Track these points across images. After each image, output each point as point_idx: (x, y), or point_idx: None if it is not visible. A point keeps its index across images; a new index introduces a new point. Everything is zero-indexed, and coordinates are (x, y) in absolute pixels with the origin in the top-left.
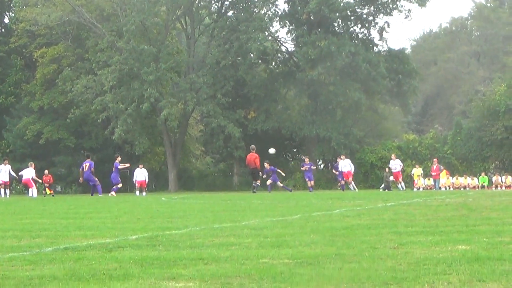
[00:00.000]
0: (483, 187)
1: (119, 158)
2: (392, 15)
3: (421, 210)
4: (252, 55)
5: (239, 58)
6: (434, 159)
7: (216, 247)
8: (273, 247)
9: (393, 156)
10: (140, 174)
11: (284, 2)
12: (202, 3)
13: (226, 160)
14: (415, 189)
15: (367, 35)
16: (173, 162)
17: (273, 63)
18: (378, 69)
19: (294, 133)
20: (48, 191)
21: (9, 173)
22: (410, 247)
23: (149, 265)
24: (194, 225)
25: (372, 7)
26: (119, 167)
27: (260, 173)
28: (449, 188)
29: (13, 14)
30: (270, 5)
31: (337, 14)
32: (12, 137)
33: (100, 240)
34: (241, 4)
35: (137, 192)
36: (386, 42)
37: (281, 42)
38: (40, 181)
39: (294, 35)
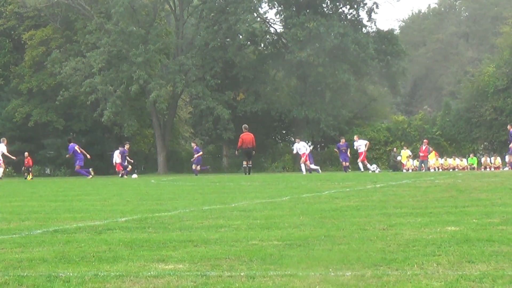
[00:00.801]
0: (472, 168)
1: (127, 146)
2: None
3: (410, 191)
4: (240, 36)
5: (228, 40)
6: (424, 140)
7: (206, 229)
8: (263, 229)
9: (355, 137)
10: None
11: None
12: None
13: (215, 142)
14: (404, 171)
15: (355, 16)
16: (162, 144)
17: (262, 45)
18: (367, 50)
19: (283, 114)
20: (30, 176)
21: None
22: (399, 229)
23: (139, 247)
24: (184, 207)
25: None
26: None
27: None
28: (438, 169)
29: None
30: None
31: None
32: (1, 119)
33: (89, 223)
34: None
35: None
36: (374, 23)
37: (270, 23)
38: (13, 158)
39: (282, 16)
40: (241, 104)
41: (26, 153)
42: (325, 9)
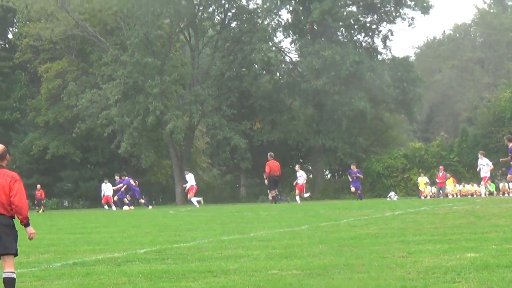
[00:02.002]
0: (490, 194)
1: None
2: (395, 23)
3: (428, 218)
4: (256, 66)
5: (243, 69)
6: (440, 167)
7: (225, 259)
8: (282, 258)
9: (297, 167)
10: (108, 189)
11: (287, 12)
12: (205, 15)
13: (232, 172)
14: (422, 198)
15: (371, 43)
16: (179, 175)
17: (278, 74)
18: (383, 77)
19: (300, 143)
20: (41, 209)
21: None
22: (418, 256)
23: (158, 278)
24: (202, 238)
25: (375, 15)
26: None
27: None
28: (456, 195)
29: (16, 30)
30: (273, 16)
31: (341, 23)
32: (18, 152)
33: (108, 255)
34: (244, 15)
35: (106, 207)
36: (390, 50)
37: (285, 52)
38: None
39: (298, 45)
40: (258, 133)
41: (38, 186)
42: (340, 37)
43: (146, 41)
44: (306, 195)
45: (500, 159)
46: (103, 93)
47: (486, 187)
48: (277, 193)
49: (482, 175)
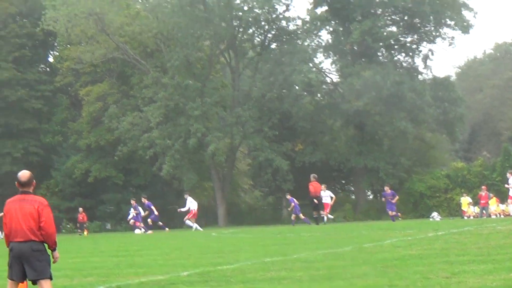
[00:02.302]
0: None
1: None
2: (435, 42)
3: (472, 238)
4: (297, 87)
5: (284, 91)
6: (483, 187)
7: (268, 281)
8: (325, 279)
9: (323, 186)
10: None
11: (328, 33)
12: (245, 37)
13: (274, 194)
14: (465, 218)
15: (411, 63)
16: (221, 197)
17: (318, 95)
18: (424, 97)
19: (342, 164)
20: (85, 232)
21: None
22: (462, 277)
23: None
24: (245, 260)
25: (416, 35)
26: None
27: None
28: (500, 215)
29: (57, 53)
30: (314, 37)
31: (381, 44)
32: (60, 176)
33: (152, 278)
34: (284, 37)
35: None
36: (430, 70)
37: (326, 73)
38: None
39: (338, 65)
40: (299, 154)
41: (80, 209)
42: (381, 58)
43: (187, 63)
44: (330, 216)
45: None
46: (144, 115)
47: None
48: (321, 214)
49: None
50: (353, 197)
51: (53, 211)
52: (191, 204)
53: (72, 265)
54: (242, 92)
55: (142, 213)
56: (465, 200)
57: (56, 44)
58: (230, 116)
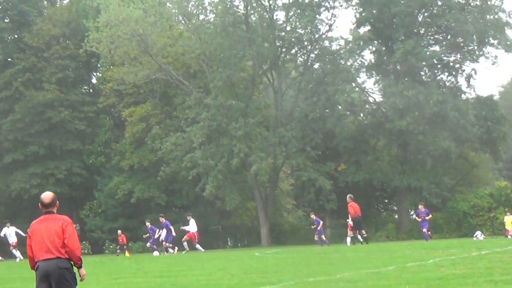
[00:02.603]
0: None
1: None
2: (478, 62)
3: None
4: (340, 106)
5: (327, 110)
6: None
7: None
8: None
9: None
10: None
11: (370, 53)
12: (288, 57)
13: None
14: (508, 237)
15: (454, 82)
16: (264, 217)
17: (361, 114)
18: (467, 116)
19: (385, 183)
20: (126, 253)
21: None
22: None
23: None
24: (289, 280)
25: (459, 54)
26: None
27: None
28: None
29: (100, 74)
30: (356, 56)
31: (424, 63)
32: (103, 196)
33: None
34: (327, 56)
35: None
36: (473, 89)
37: (369, 92)
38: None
39: (381, 85)
40: (342, 174)
41: (119, 231)
42: (423, 77)
43: (229, 84)
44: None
45: None
46: (187, 136)
47: None
48: (364, 234)
49: None
50: (396, 216)
51: (96, 232)
52: (192, 226)
53: (116, 286)
54: (284, 112)
55: (156, 235)
56: (509, 219)
57: (99, 65)
58: (272, 136)
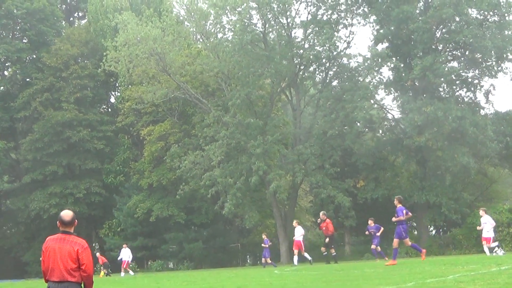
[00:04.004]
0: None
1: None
2: (497, 77)
3: None
4: (358, 123)
5: (345, 127)
6: None
7: None
8: None
9: (295, 222)
10: (125, 254)
11: (389, 70)
12: (306, 74)
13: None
14: None
15: (473, 98)
16: (284, 234)
17: (380, 131)
18: (486, 132)
19: (404, 199)
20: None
21: None
22: None
23: None
24: None
25: (477, 70)
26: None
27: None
28: None
29: (118, 94)
30: (375, 73)
31: (442, 79)
32: (122, 215)
33: None
34: (346, 74)
35: (122, 273)
36: (492, 105)
37: (387, 109)
38: None
39: (399, 102)
40: (361, 191)
41: (98, 254)
42: (442, 93)
43: (248, 102)
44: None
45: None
46: (206, 154)
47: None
48: (324, 252)
49: (485, 234)
50: (416, 232)
51: (115, 251)
52: (125, 254)
53: None
54: (303, 130)
55: (127, 259)
56: None
57: (117, 84)
58: (291, 153)
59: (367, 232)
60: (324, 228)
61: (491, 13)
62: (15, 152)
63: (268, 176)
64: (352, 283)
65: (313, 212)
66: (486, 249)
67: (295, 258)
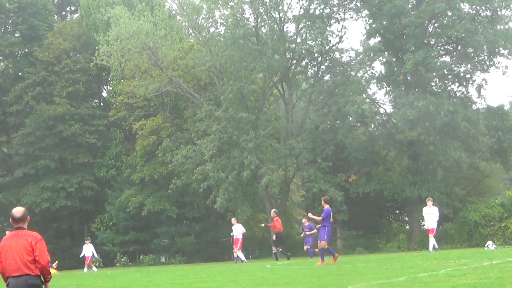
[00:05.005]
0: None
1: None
2: (489, 72)
3: None
4: (350, 118)
5: (337, 122)
6: None
7: None
8: None
9: (233, 220)
10: (88, 250)
11: (381, 64)
12: (298, 69)
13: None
14: None
15: (465, 93)
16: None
17: (372, 125)
18: (478, 126)
19: (396, 194)
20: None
21: None
22: None
23: None
24: None
25: (469, 65)
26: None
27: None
28: None
29: (111, 88)
30: (367, 68)
31: (434, 74)
32: (114, 210)
33: None
34: (338, 68)
35: (85, 269)
36: (484, 99)
37: (379, 104)
38: None
39: (391, 96)
40: (353, 185)
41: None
42: (434, 88)
43: (240, 96)
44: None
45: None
46: (198, 148)
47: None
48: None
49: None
50: (407, 227)
51: (107, 245)
52: (87, 249)
53: None
54: (295, 124)
55: (93, 254)
56: None
57: (109, 78)
58: (283, 148)
59: (302, 234)
60: (272, 226)
61: (483, 7)
62: (7, 146)
63: (260, 170)
64: (345, 278)
65: (305, 207)
66: (433, 241)
67: (241, 255)
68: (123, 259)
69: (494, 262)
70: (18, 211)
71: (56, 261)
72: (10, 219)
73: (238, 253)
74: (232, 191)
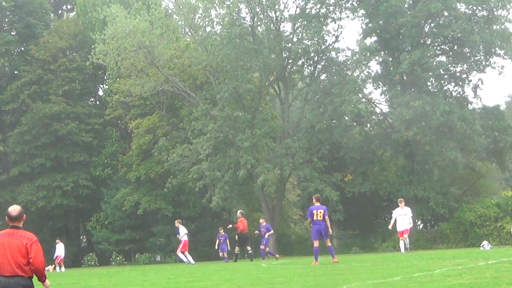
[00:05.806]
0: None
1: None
2: (485, 72)
3: None
4: (346, 117)
5: (333, 121)
6: None
7: None
8: None
9: (177, 222)
10: (60, 249)
11: (377, 64)
12: (294, 68)
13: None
14: None
15: (461, 93)
16: (271, 228)
17: (368, 125)
18: (474, 126)
19: (392, 194)
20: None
21: None
22: None
23: None
24: None
25: (465, 65)
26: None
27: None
28: None
29: (107, 87)
30: (363, 67)
31: (430, 74)
32: (110, 208)
33: None
34: (334, 67)
35: (57, 268)
36: (480, 99)
37: (375, 103)
38: None
39: (387, 96)
40: (349, 185)
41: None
42: (430, 87)
43: (236, 95)
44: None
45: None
46: (194, 147)
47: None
48: (249, 250)
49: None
50: None
51: (103, 243)
52: (59, 249)
53: None
54: (291, 123)
55: (61, 254)
56: None
57: (105, 77)
58: (279, 147)
59: (256, 231)
60: (237, 226)
61: (479, 7)
62: (3, 145)
63: (256, 169)
64: (340, 277)
65: (300, 206)
66: (407, 242)
67: (189, 256)
68: (118, 258)
69: (489, 262)
70: (14, 209)
71: (52, 265)
72: (6, 217)
73: (180, 254)
74: (228, 190)
